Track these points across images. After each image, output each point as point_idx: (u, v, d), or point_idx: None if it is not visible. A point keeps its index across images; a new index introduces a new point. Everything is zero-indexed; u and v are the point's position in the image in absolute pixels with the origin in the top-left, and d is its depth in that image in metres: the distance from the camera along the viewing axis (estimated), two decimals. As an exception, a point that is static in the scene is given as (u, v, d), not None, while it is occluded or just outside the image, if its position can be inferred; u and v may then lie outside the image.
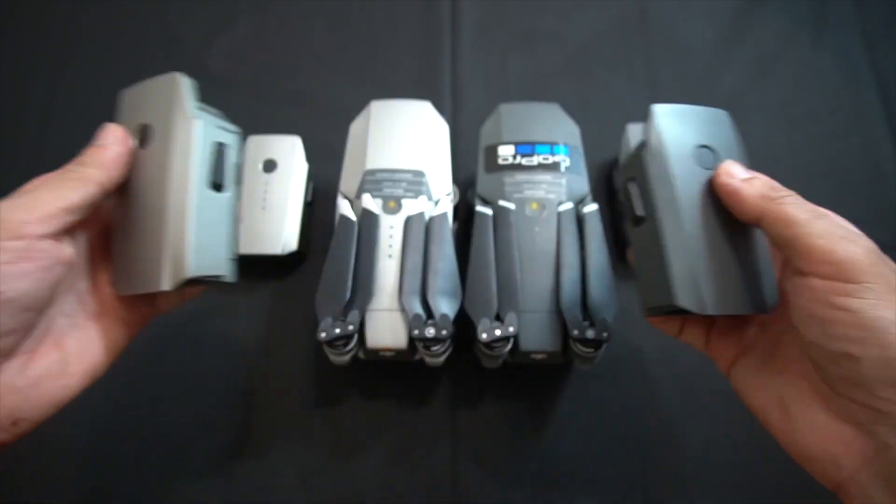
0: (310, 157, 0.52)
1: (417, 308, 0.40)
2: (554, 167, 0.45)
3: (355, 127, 0.49)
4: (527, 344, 0.40)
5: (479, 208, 0.45)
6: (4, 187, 0.58)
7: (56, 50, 0.61)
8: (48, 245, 0.27)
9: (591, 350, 0.39)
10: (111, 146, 0.31)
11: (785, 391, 0.28)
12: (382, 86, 0.59)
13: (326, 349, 0.40)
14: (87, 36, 0.62)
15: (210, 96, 0.59)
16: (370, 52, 0.61)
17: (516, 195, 0.44)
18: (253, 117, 0.58)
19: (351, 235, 0.42)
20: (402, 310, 0.40)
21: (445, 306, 0.40)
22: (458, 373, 0.47)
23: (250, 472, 0.45)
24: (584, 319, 0.39)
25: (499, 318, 0.40)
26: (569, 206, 0.44)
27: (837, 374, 0.25)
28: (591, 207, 0.44)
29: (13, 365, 0.27)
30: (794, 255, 0.27)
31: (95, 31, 0.62)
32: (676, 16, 0.62)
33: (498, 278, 0.41)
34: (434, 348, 0.40)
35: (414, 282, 0.41)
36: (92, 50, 0.61)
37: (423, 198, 0.44)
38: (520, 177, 0.45)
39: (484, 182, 0.46)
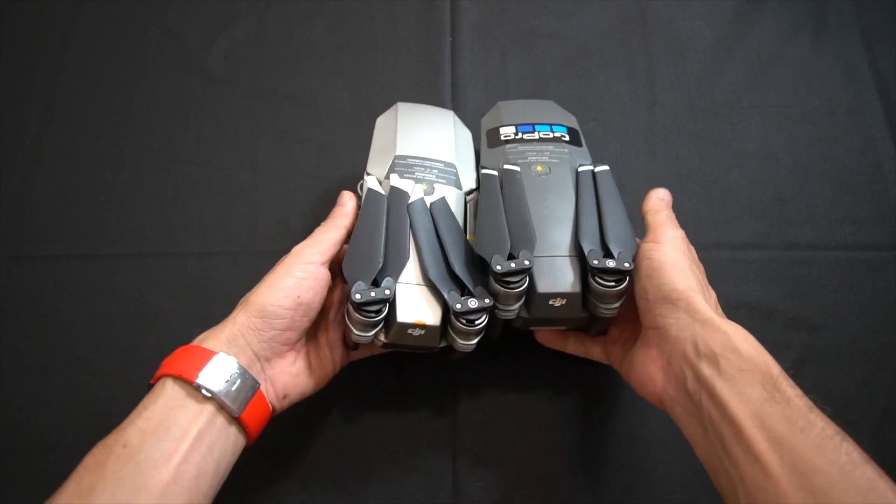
0: (309, 156, 0.52)
1: (452, 285, 0.39)
2: (555, 140, 0.45)
3: (383, 120, 0.49)
4: (545, 286, 0.38)
5: (484, 171, 0.44)
6: (4, 186, 0.58)
7: (56, 50, 0.61)
8: (323, 270, 0.39)
9: (613, 284, 0.37)
10: (348, 203, 0.43)
11: (633, 351, 0.39)
12: (382, 86, 0.59)
13: (351, 321, 0.38)
14: (87, 36, 0.62)
15: (210, 96, 0.59)
16: (370, 52, 0.61)
17: (521, 161, 0.44)
18: (253, 117, 0.58)
19: (381, 208, 0.41)
20: (433, 286, 0.39)
21: (476, 274, 0.39)
22: (458, 372, 0.47)
23: (250, 473, 0.45)
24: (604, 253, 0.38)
25: (512, 257, 0.38)
26: (576, 167, 0.43)
27: (642, 306, 0.37)
28: (603, 167, 0.44)
29: (289, 356, 0.39)
30: (646, 231, 0.40)
31: (95, 31, 0.62)
32: (676, 16, 0.62)
33: (509, 224, 0.40)
34: (478, 322, 0.38)
35: (439, 263, 0.40)
36: (92, 50, 0.61)
37: (453, 187, 0.44)
38: (523, 147, 0.45)
39: (487, 156, 0.45)
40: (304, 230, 0.53)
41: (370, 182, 0.43)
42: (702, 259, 0.53)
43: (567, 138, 0.46)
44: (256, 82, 0.60)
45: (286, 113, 0.58)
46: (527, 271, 0.38)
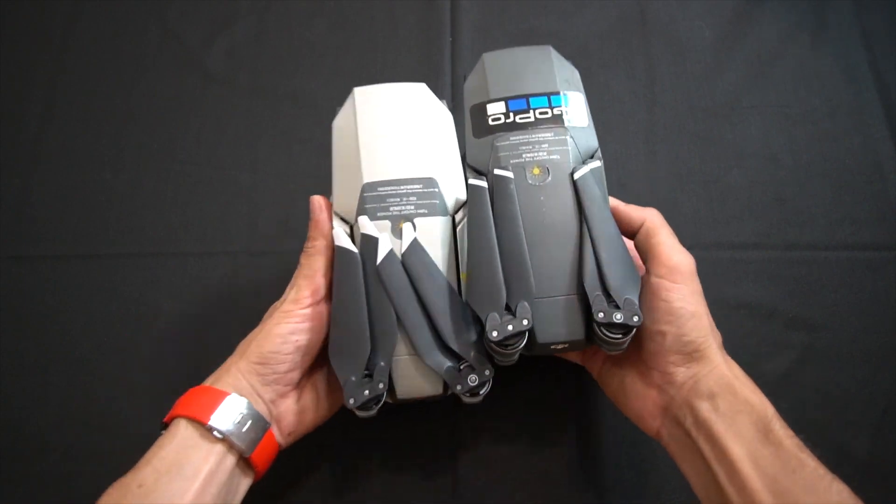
0: (309, 156, 0.52)
1: (445, 360, 0.36)
2: (554, 121, 0.39)
3: (340, 122, 0.41)
4: (545, 336, 0.35)
5: (472, 181, 0.38)
6: (4, 186, 0.58)
7: (56, 50, 0.61)
8: (319, 309, 0.37)
9: (620, 337, 0.34)
10: (320, 216, 0.39)
11: (623, 375, 0.38)
12: (382, 86, 0.59)
13: (352, 408, 0.36)
14: (87, 36, 0.62)
15: (210, 96, 0.59)
16: (370, 52, 0.61)
17: (514, 161, 0.38)
18: (253, 117, 0.58)
19: (356, 272, 0.36)
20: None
21: (470, 339, 0.36)
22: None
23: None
24: (609, 300, 0.34)
25: (509, 308, 0.35)
26: (578, 168, 0.38)
27: (651, 348, 0.36)
28: (594, 164, 0.38)
29: (292, 395, 0.38)
30: (649, 257, 0.37)
31: (95, 31, 0.62)
32: (676, 16, 0.62)
33: (503, 262, 0.35)
34: (482, 391, 0.36)
35: (425, 336, 0.36)
36: (92, 50, 0.61)
37: (437, 216, 0.38)
38: (515, 138, 0.39)
39: (474, 149, 0.39)
40: (304, 230, 0.53)
41: (339, 237, 0.37)
42: (701, 259, 0.53)
43: (568, 115, 0.39)
44: (256, 82, 0.60)
45: (286, 113, 0.58)
46: (525, 333, 0.34)
